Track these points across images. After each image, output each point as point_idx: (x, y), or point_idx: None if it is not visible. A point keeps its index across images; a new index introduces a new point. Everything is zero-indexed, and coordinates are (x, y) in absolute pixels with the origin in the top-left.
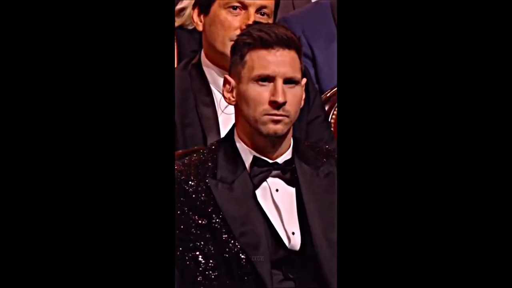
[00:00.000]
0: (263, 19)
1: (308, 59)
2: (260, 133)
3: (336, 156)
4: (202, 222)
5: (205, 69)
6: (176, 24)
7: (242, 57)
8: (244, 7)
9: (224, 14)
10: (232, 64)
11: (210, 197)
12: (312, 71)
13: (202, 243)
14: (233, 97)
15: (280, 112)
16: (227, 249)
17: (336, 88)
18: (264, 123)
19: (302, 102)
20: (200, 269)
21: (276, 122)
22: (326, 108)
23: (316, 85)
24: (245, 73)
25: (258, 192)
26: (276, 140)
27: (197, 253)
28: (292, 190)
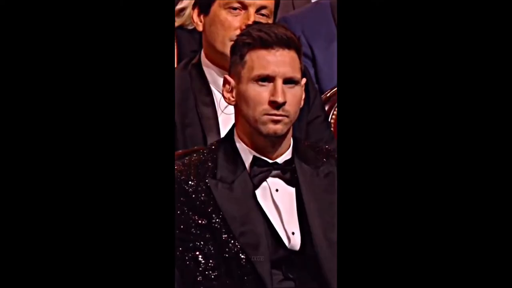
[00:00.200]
0: (263, 19)
1: (308, 59)
2: (260, 133)
3: (336, 156)
4: (202, 222)
5: (205, 69)
6: (176, 24)
7: (242, 57)
8: (244, 7)
9: (224, 14)
10: (232, 64)
11: (210, 197)
12: (312, 71)
13: (202, 243)
14: (233, 97)
15: (280, 112)
16: (227, 249)
17: (336, 88)
18: (264, 123)
19: (302, 102)
20: (200, 269)
21: (276, 122)
22: (326, 108)
23: (316, 85)
24: (245, 73)
25: (258, 192)
26: (276, 140)
27: (197, 253)
28: (292, 190)
